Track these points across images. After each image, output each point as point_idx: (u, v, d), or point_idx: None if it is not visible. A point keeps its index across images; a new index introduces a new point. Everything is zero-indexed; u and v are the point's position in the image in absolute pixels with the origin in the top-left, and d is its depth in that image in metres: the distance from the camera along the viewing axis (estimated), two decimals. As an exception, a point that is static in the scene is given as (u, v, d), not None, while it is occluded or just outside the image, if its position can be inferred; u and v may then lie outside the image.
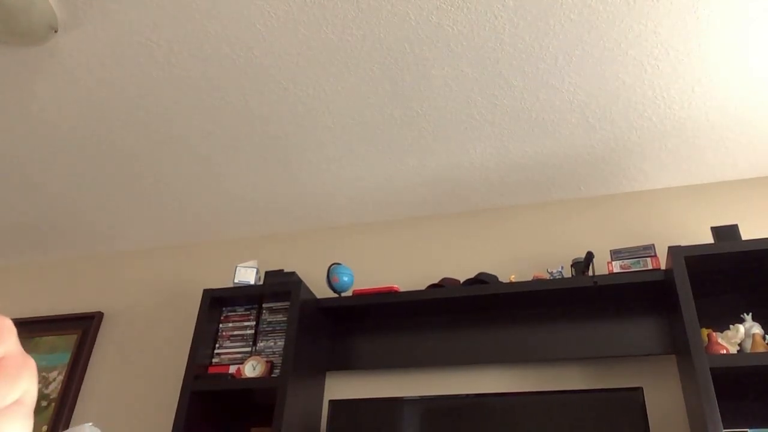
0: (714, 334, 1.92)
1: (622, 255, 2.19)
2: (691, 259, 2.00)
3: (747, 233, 2.32)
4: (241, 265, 2.58)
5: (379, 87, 2.10)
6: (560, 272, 2.24)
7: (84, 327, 3.03)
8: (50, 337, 3.06)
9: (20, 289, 3.36)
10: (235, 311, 2.55)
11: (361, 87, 2.10)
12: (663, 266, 2.25)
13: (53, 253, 3.34)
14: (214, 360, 2.46)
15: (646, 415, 1.95)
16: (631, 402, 1.97)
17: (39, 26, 1.85)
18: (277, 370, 2.35)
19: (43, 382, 2.94)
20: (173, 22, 1.89)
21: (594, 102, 2.13)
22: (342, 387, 2.50)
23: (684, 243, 2.38)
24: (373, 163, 2.49)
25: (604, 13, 1.79)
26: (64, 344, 3.01)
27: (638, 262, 2.15)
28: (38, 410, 2.84)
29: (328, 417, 2.24)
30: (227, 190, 2.72)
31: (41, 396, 2.92)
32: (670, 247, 2.03)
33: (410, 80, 2.07)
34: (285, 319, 2.46)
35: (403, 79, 2.06)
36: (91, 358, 2.96)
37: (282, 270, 2.60)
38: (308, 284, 2.79)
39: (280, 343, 2.42)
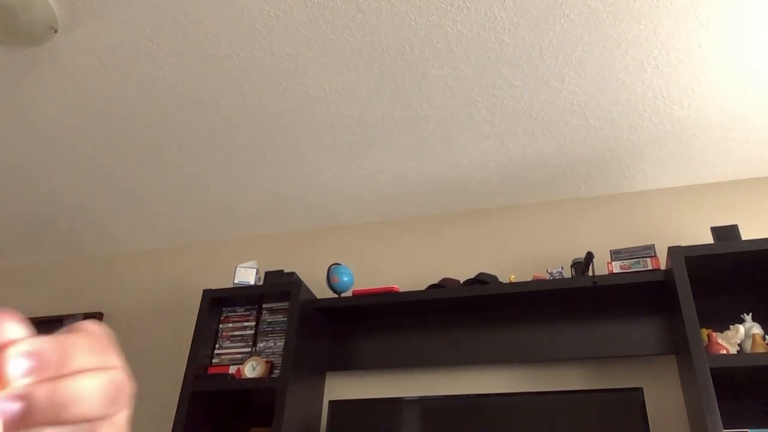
0: (714, 334, 1.92)
1: (622, 255, 2.19)
2: (691, 259, 2.00)
3: (747, 233, 2.32)
4: (241, 265, 2.58)
5: (379, 87, 2.10)
6: (560, 272, 2.24)
7: (84, 327, 3.03)
8: (50, 337, 3.06)
9: (20, 290, 3.36)
10: (235, 311, 2.55)
11: (361, 87, 2.10)
12: (663, 266, 2.25)
13: (53, 253, 3.34)
14: (214, 360, 2.46)
15: (646, 415, 1.95)
16: (631, 402, 1.97)
17: (39, 26, 1.85)
18: (277, 371, 2.35)
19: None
20: (173, 23, 1.89)
21: (594, 102, 2.12)
22: (342, 387, 2.50)
23: (684, 243, 2.38)
24: (373, 164, 2.49)
25: (604, 13, 1.79)
26: (64, 344, 3.01)
27: (638, 263, 2.15)
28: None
29: (328, 417, 2.24)
30: (227, 190, 2.72)
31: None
32: (670, 247, 2.03)
33: (410, 80, 2.07)
34: (285, 319, 2.46)
35: (403, 79, 2.06)
36: (91, 359, 2.96)
37: (282, 270, 2.60)
38: (308, 284, 2.79)
39: (280, 343, 2.42)
